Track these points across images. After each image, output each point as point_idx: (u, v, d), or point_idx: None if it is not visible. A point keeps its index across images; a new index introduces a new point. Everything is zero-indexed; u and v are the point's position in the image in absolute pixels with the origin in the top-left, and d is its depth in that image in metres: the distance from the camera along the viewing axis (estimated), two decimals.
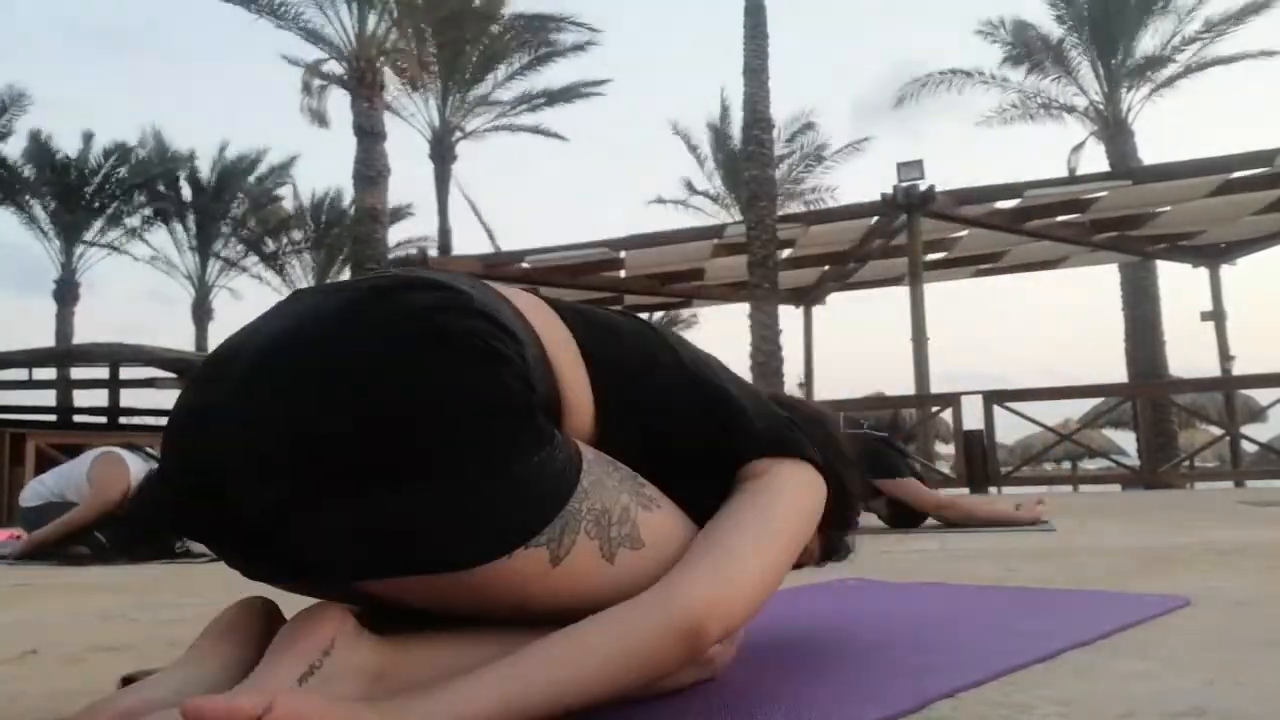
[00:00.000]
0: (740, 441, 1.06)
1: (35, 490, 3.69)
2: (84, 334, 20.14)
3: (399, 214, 20.45)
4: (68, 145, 20.76)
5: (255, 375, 0.83)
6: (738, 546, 0.92)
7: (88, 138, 20.94)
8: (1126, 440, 18.66)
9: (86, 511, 3.47)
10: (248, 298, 24.21)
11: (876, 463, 3.65)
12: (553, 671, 0.79)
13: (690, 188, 21.38)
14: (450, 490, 0.79)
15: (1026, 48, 16.28)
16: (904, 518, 3.68)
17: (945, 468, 10.87)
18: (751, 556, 0.92)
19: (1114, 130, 16.00)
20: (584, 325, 1.02)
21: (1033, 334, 49.80)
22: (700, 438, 1.04)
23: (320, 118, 17.80)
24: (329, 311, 0.86)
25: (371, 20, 14.97)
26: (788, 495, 1.02)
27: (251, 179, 22.85)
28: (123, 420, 12.93)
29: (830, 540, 1.23)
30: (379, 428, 0.78)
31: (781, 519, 0.99)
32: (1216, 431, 13.38)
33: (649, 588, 0.91)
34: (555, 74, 19.17)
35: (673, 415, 1.02)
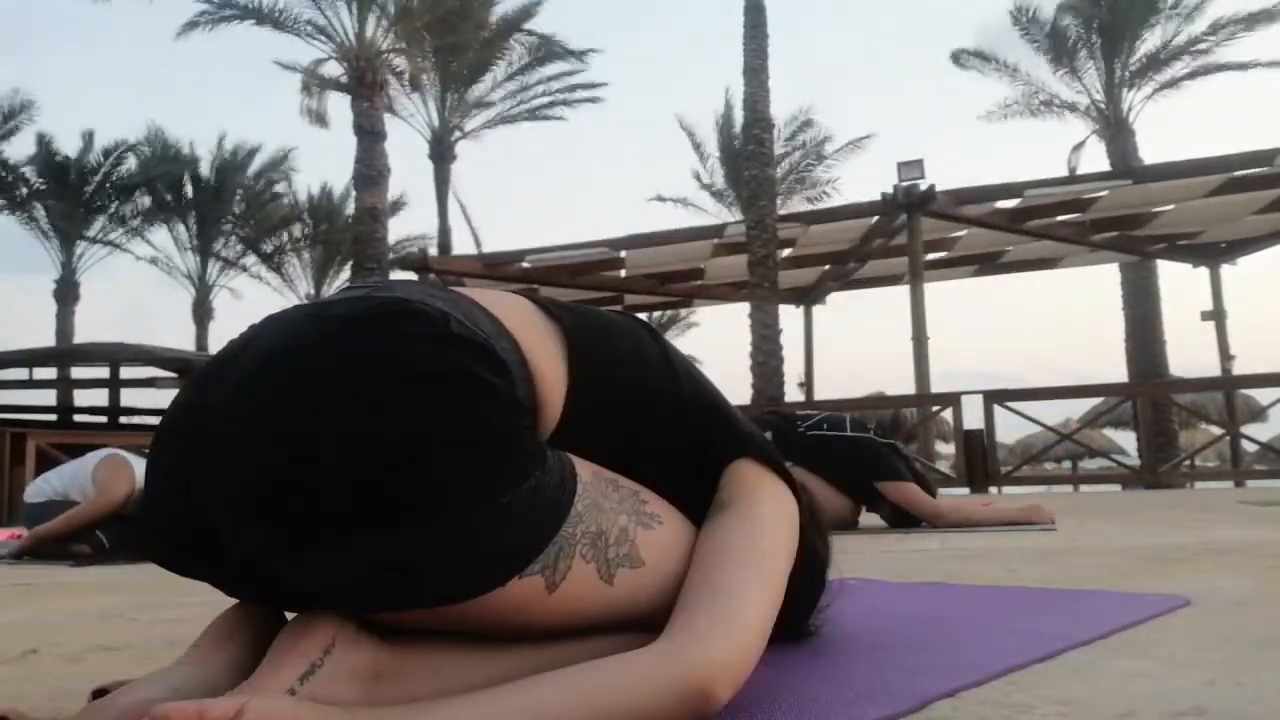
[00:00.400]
0: (724, 443, 1.06)
1: (40, 488, 3.71)
2: (84, 333, 20.20)
3: (396, 207, 20.50)
4: (66, 142, 20.88)
5: (237, 412, 0.82)
6: (738, 593, 0.89)
7: (87, 137, 21.00)
8: (1127, 440, 18.68)
9: (89, 511, 3.49)
10: (248, 297, 24.26)
11: (877, 464, 3.66)
12: (543, 710, 0.76)
13: (699, 180, 21.46)
14: (440, 529, 0.78)
15: (1041, 41, 16.35)
16: (905, 518, 3.68)
17: (945, 467, 10.87)
18: (752, 608, 0.89)
19: (1115, 129, 16.02)
20: (572, 317, 1.02)
21: (1033, 334, 49.85)
22: (684, 438, 1.04)
23: (320, 118, 17.83)
24: (306, 345, 0.84)
25: (371, 21, 15.00)
26: (775, 528, 1.00)
27: (249, 175, 22.87)
28: (123, 420, 12.95)
29: (795, 617, 1.13)
30: (363, 472, 0.77)
31: (771, 555, 0.97)
32: (1217, 431, 13.40)
33: (650, 607, 0.91)
34: (554, 72, 19.22)
35: (656, 413, 1.02)
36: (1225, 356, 14.34)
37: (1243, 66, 15.52)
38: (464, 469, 0.78)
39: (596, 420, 0.96)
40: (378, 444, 0.77)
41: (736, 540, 0.96)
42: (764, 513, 1.00)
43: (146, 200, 21.68)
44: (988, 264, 14.55)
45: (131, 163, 21.27)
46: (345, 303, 0.88)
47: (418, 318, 0.84)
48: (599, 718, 0.76)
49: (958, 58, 16.85)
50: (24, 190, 20.37)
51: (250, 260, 23.66)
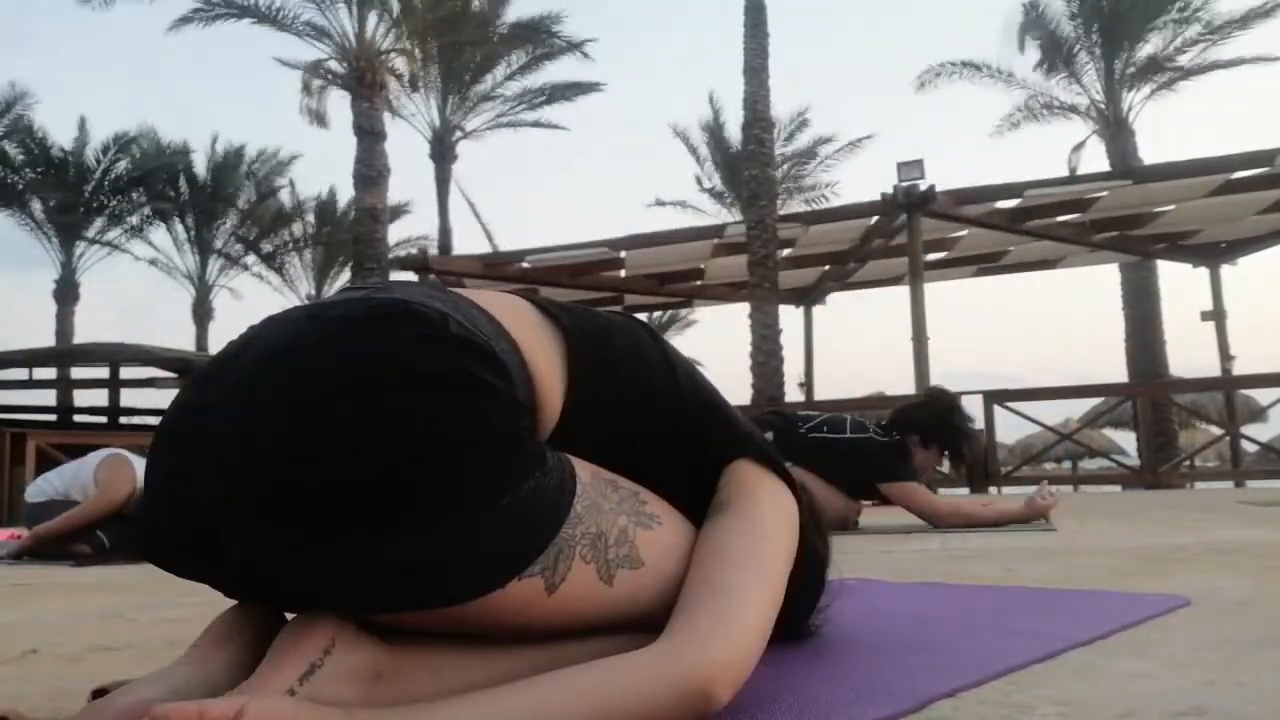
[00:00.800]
0: (723, 443, 1.06)
1: (40, 488, 3.71)
2: (84, 333, 20.21)
3: (398, 212, 20.54)
4: (63, 138, 20.90)
5: (238, 412, 0.82)
6: (738, 594, 0.89)
7: (82, 129, 21.00)
8: (1127, 440, 18.66)
9: (90, 511, 3.50)
10: (248, 297, 24.27)
11: (878, 465, 3.66)
12: (542, 710, 0.76)
13: (699, 184, 21.48)
14: (439, 530, 0.78)
15: (1041, 42, 16.35)
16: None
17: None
18: (752, 609, 0.89)
19: (1115, 130, 16.01)
20: (571, 318, 1.02)
21: (1033, 334, 49.84)
22: (684, 438, 1.04)
23: (320, 118, 17.82)
24: (306, 346, 0.84)
25: (371, 20, 15.00)
26: (774, 528, 1.00)
27: (248, 174, 22.89)
28: (123, 420, 12.94)
29: (795, 617, 1.12)
30: (363, 472, 0.77)
31: (771, 555, 0.96)
32: (1216, 431, 13.40)
33: (650, 607, 0.91)
34: (555, 72, 19.24)
35: (655, 413, 1.02)
36: (1225, 356, 14.32)
37: (1233, 64, 15.56)
38: (463, 470, 0.78)
39: (596, 420, 0.96)
40: (377, 444, 0.77)
41: (736, 541, 0.95)
42: (764, 513, 1.00)
43: (144, 198, 21.67)
44: (988, 264, 14.53)
45: (128, 160, 21.28)
46: (345, 304, 0.88)
47: (417, 319, 0.84)
48: (599, 718, 0.76)
49: (937, 74, 16.60)
50: (20, 185, 20.36)
51: (250, 260, 23.69)
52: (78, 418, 13.35)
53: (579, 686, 0.78)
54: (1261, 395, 12.67)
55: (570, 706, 0.76)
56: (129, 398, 13.84)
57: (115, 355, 13.02)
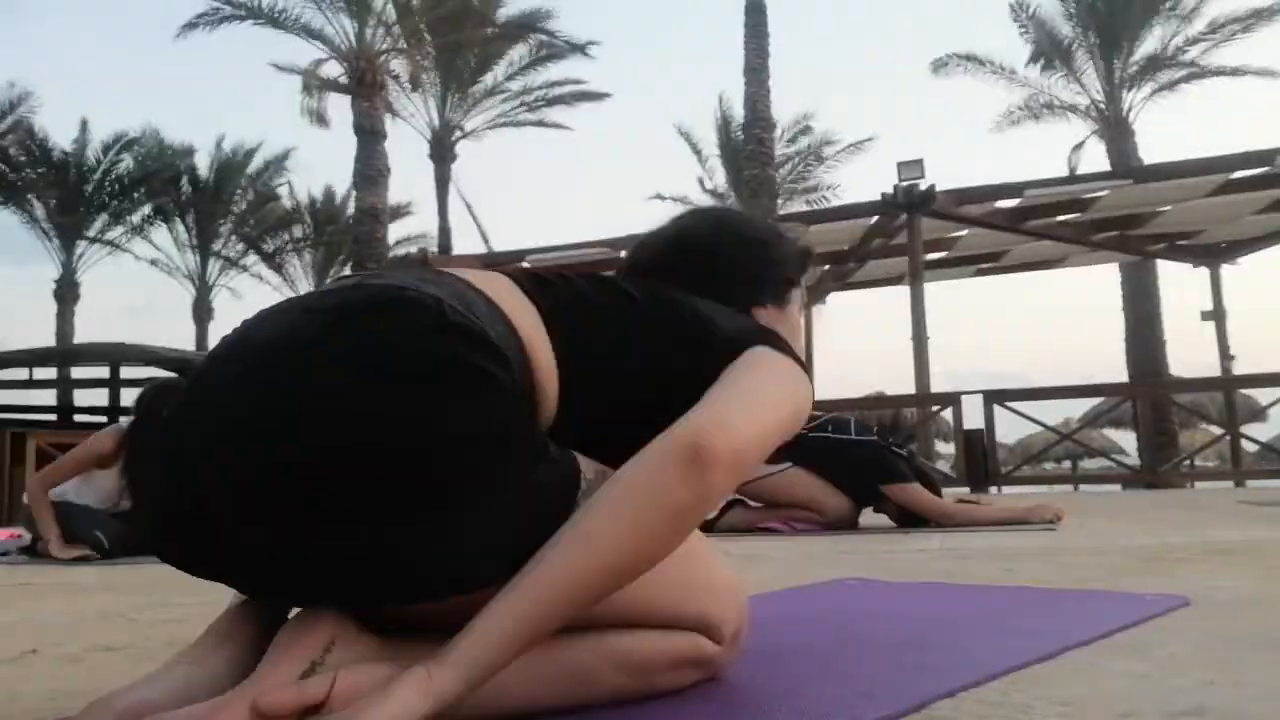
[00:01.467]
0: (725, 357, 0.99)
1: None
2: (84, 333, 20.21)
3: (398, 212, 20.55)
4: (64, 137, 20.91)
5: (233, 408, 0.82)
6: (740, 390, 0.90)
7: (83, 130, 21.02)
8: (1127, 440, 18.67)
9: (76, 456, 3.58)
10: (248, 297, 24.22)
11: (880, 467, 3.68)
12: (563, 563, 0.77)
13: (701, 185, 21.51)
14: (442, 522, 0.78)
15: (1041, 42, 16.39)
16: (913, 518, 3.69)
17: (945, 467, 10.87)
18: (756, 406, 0.90)
19: (1115, 130, 16.03)
20: (546, 295, 0.99)
21: (1033, 334, 49.90)
22: (683, 395, 0.95)
23: (320, 118, 17.84)
24: (303, 340, 0.83)
25: (370, 21, 15.01)
26: (794, 381, 0.99)
27: (249, 174, 22.89)
28: (123, 420, 12.93)
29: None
30: (364, 466, 0.76)
31: (777, 380, 0.97)
32: (1216, 431, 13.39)
33: (653, 603, 0.91)
34: (555, 72, 19.24)
35: (648, 380, 0.99)
36: (1225, 356, 14.32)
37: (1235, 72, 15.57)
38: (465, 461, 0.78)
39: (587, 398, 0.95)
40: (378, 438, 0.77)
41: (748, 366, 0.96)
42: (783, 366, 1.00)
43: (145, 199, 21.67)
44: (988, 264, 14.53)
45: (130, 161, 21.30)
46: (338, 294, 0.88)
47: (413, 306, 0.84)
48: (615, 532, 0.78)
49: (944, 64, 16.73)
50: (20, 184, 20.36)
51: (251, 260, 23.69)
52: (78, 417, 13.35)
53: (585, 527, 0.79)
54: (1261, 395, 12.65)
55: (589, 547, 0.78)
56: (129, 398, 13.81)
57: (115, 355, 13.03)
